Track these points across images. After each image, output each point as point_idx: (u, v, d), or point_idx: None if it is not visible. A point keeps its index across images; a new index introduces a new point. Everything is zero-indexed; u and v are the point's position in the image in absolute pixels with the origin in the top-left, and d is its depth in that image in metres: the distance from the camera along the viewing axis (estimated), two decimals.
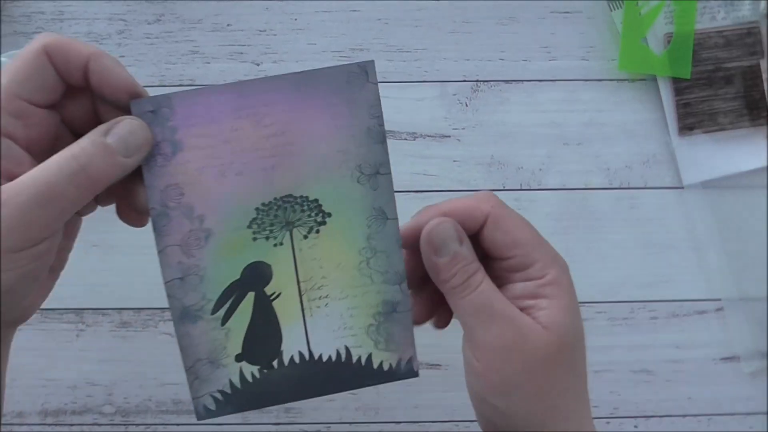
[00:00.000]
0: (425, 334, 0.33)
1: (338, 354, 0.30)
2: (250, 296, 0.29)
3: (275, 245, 0.29)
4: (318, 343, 0.30)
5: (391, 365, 0.30)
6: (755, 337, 0.48)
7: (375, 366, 0.30)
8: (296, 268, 0.29)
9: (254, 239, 0.29)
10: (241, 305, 0.29)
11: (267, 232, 0.29)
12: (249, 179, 0.29)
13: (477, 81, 0.49)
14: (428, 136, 0.49)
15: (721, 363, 0.48)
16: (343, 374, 0.30)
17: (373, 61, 0.29)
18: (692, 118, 0.48)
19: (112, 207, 0.47)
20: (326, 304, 0.30)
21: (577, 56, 0.49)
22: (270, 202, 0.29)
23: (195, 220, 0.29)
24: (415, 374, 0.31)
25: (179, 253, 0.29)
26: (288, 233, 0.29)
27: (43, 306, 0.47)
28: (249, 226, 0.29)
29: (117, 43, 0.49)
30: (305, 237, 0.29)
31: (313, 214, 0.29)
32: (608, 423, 0.48)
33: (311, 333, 0.30)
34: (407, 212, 0.31)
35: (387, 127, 0.30)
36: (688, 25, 0.48)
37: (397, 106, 0.49)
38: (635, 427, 0.48)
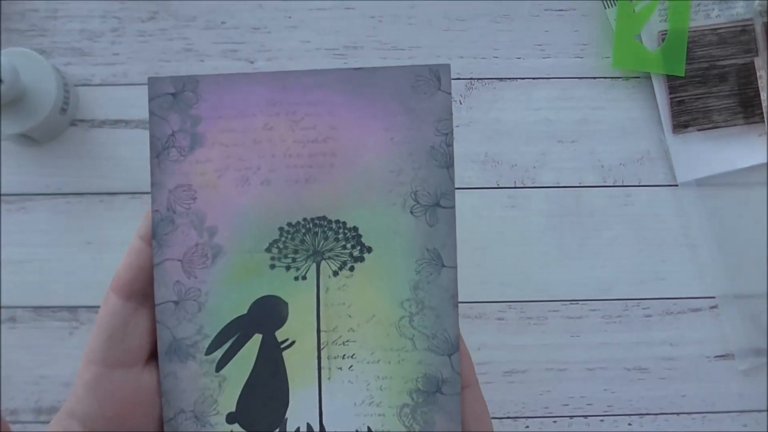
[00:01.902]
0: None
1: None
2: (257, 339, 0.24)
3: (296, 278, 0.24)
4: (334, 418, 0.24)
5: None
6: (749, 334, 0.48)
7: None
8: (318, 313, 0.24)
9: (272, 266, 0.24)
10: (243, 349, 0.24)
11: (289, 261, 0.24)
12: (276, 191, 0.24)
13: (471, 79, 0.49)
14: None
15: (715, 360, 0.48)
16: None
17: (448, 66, 0.24)
18: (686, 116, 0.48)
19: (110, 204, 0.48)
20: (351, 367, 0.24)
21: (571, 54, 0.49)
22: (298, 222, 0.24)
23: (204, 233, 0.24)
24: None
25: (179, 270, 0.24)
26: (314, 265, 0.24)
27: (36, 303, 0.47)
28: (268, 249, 0.24)
29: (110, 41, 0.48)
30: (335, 273, 0.24)
31: (349, 246, 0.24)
32: (602, 421, 0.48)
33: (327, 402, 0.24)
34: None
35: None
36: (682, 23, 0.48)
37: None
38: (629, 425, 0.48)
